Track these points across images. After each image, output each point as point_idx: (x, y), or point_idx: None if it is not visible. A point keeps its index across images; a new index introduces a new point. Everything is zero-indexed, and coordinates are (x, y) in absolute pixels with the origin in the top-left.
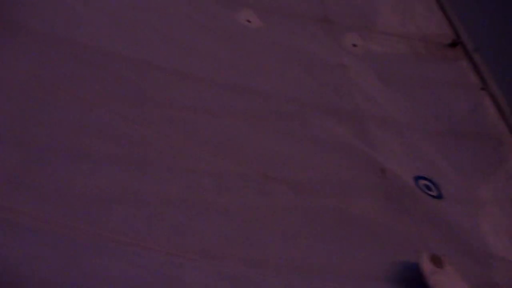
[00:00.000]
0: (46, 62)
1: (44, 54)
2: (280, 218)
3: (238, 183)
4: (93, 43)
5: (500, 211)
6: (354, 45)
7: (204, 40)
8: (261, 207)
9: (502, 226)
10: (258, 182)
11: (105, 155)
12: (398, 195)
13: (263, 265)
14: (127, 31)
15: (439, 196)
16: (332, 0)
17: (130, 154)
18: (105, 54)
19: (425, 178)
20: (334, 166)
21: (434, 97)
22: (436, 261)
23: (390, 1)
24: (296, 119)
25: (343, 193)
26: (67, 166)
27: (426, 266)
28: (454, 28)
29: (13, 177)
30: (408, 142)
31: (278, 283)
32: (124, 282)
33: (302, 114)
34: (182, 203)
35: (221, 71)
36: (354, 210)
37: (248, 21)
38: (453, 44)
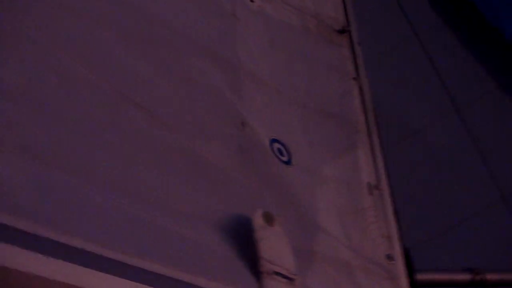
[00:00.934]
0: None
1: None
2: (126, 141)
3: (88, 92)
4: None
5: (336, 190)
6: (252, 1)
7: None
8: (108, 123)
9: (335, 204)
10: (111, 98)
11: None
12: (251, 151)
13: (92, 179)
14: None
15: (288, 162)
16: None
17: None
18: None
19: (280, 143)
20: (197, 107)
21: (311, 74)
22: (268, 218)
23: None
24: (169, 49)
25: (199, 136)
26: None
27: (257, 220)
28: (346, 16)
29: None
30: (275, 106)
31: (103, 200)
32: None
33: (176, 46)
34: (20, 95)
35: None
36: (205, 153)
37: None
38: (342, 31)
